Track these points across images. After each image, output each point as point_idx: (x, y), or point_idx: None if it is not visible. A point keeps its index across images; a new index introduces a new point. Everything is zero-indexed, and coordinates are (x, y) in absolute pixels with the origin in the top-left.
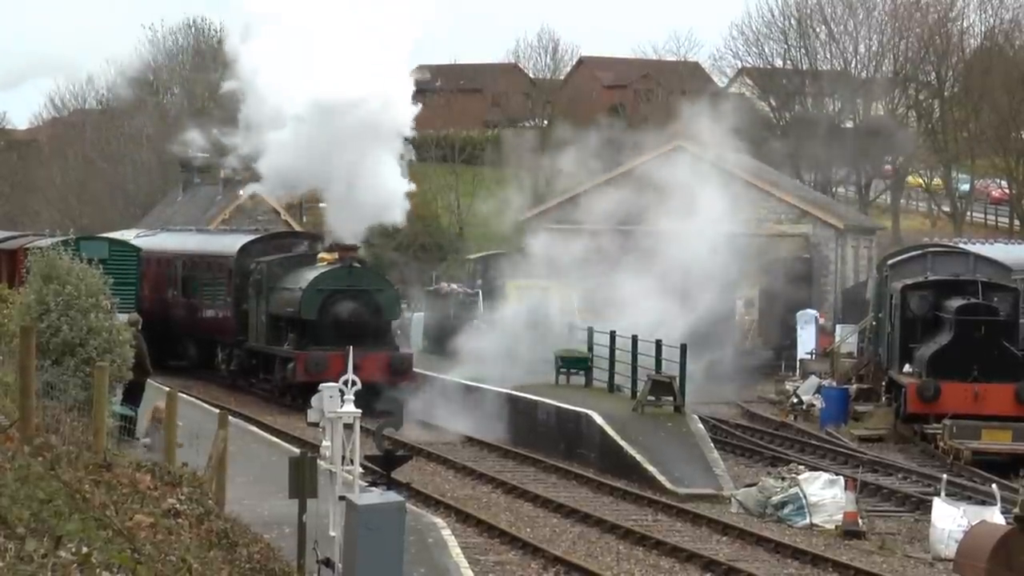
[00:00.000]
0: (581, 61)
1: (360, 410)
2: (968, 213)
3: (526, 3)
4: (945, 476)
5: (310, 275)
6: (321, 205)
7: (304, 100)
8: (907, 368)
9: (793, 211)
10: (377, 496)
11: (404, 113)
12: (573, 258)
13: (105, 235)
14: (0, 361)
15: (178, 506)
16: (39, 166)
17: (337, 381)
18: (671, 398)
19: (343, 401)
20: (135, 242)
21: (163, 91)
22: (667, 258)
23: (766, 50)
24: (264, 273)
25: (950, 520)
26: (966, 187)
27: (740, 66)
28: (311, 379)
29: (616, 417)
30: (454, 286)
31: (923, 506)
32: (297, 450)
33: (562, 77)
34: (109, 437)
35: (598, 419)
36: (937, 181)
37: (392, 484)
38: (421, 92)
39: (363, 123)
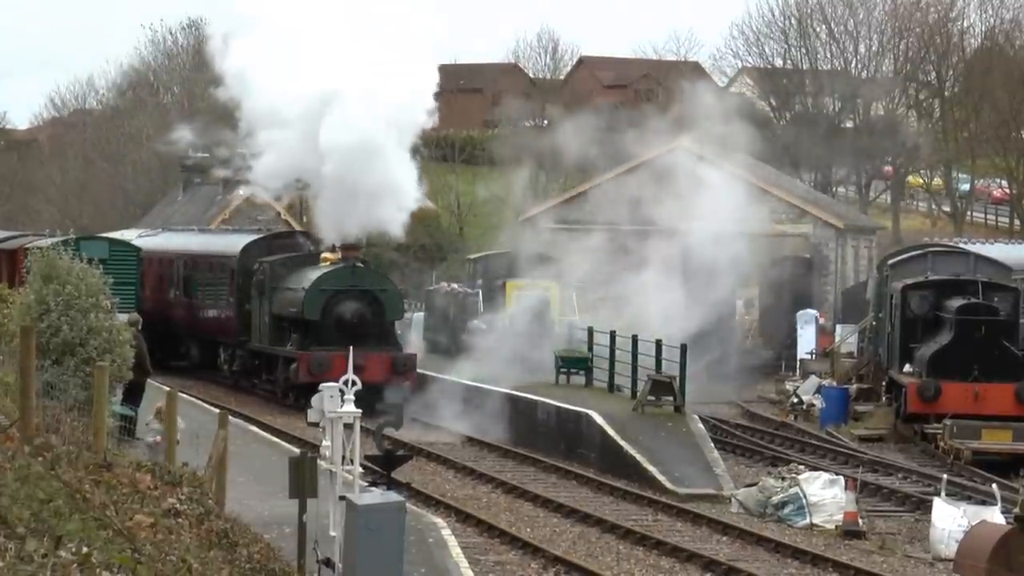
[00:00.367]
0: (581, 61)
1: (360, 410)
2: (968, 213)
3: (526, 3)
4: (945, 476)
5: (313, 275)
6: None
7: (309, 97)
8: (907, 368)
9: (793, 211)
10: (377, 496)
11: (420, 108)
12: (573, 257)
13: (105, 235)
14: (0, 361)
15: (178, 506)
16: (39, 166)
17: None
18: (671, 398)
19: (343, 401)
20: (137, 242)
21: (163, 91)
22: (668, 257)
23: (766, 50)
24: (267, 273)
25: (950, 520)
26: (966, 187)
27: (740, 66)
28: (314, 379)
29: (616, 417)
30: (454, 286)
31: (923, 506)
32: (297, 450)
33: (562, 77)
34: (109, 437)
35: (598, 419)
36: (937, 181)
37: (392, 484)
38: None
39: (376, 119)
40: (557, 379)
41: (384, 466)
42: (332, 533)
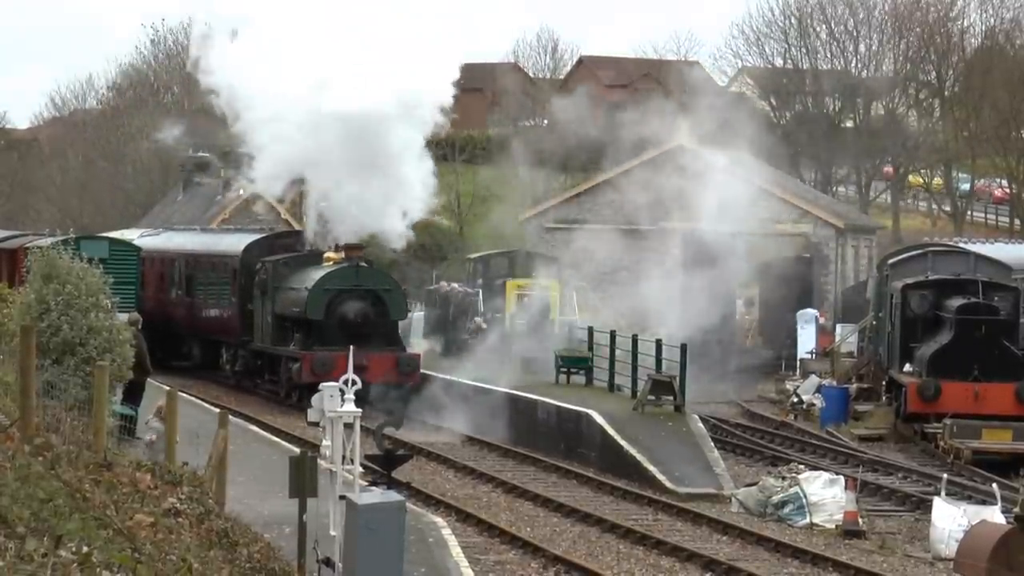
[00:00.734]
0: (581, 61)
1: (360, 410)
2: (968, 213)
3: (526, 3)
4: (945, 476)
5: (316, 275)
6: (322, 204)
7: (309, 94)
8: (907, 367)
9: (793, 210)
10: (377, 496)
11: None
12: (573, 257)
13: (105, 234)
14: (0, 360)
15: (178, 506)
16: (39, 166)
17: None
18: (671, 397)
19: (343, 400)
20: (139, 242)
21: (163, 91)
22: (668, 257)
23: (766, 49)
24: (269, 273)
25: (950, 520)
26: (966, 187)
27: (740, 65)
28: (317, 379)
29: (616, 416)
30: (454, 286)
31: (923, 506)
32: (297, 449)
33: (562, 77)
34: (109, 437)
35: (598, 418)
36: (937, 181)
37: (392, 484)
38: None
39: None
40: (557, 379)
41: (384, 466)
42: (332, 533)
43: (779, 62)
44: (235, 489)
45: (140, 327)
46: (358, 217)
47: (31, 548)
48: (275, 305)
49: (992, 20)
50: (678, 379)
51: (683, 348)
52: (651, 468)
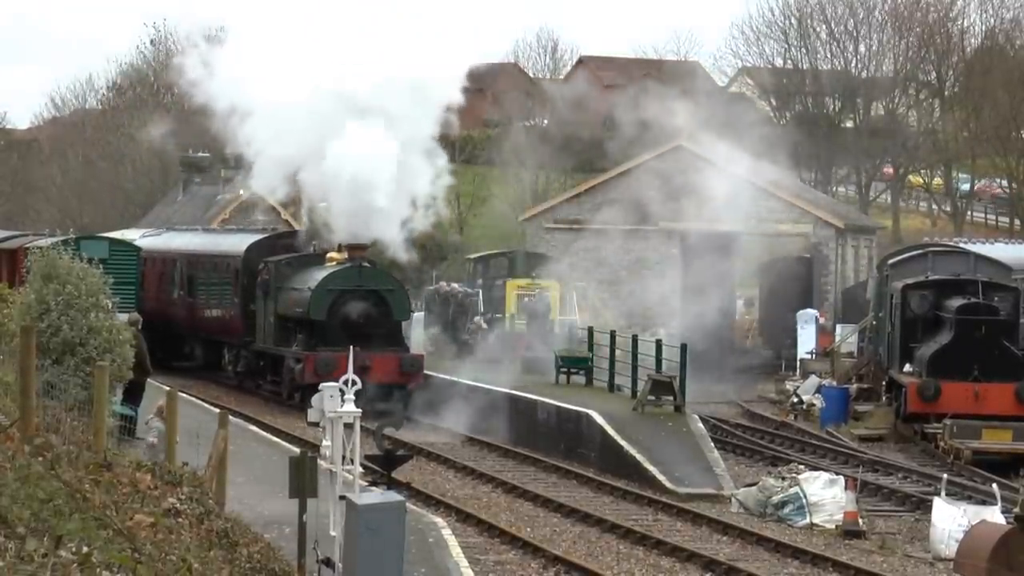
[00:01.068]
0: (581, 61)
1: (360, 410)
2: (968, 213)
3: (526, 3)
4: (945, 476)
5: (319, 275)
6: (322, 204)
7: (311, 95)
8: (907, 368)
9: (793, 210)
10: (377, 496)
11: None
12: (573, 257)
13: (105, 235)
14: (0, 361)
15: (178, 506)
16: (39, 166)
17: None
18: (671, 398)
19: (343, 401)
20: (140, 242)
21: (163, 91)
22: (668, 256)
23: (766, 49)
24: (272, 273)
25: (950, 520)
26: (966, 187)
27: (740, 65)
28: (320, 380)
29: (616, 417)
30: (454, 286)
31: (923, 506)
32: (297, 450)
33: (562, 77)
34: (109, 437)
35: (598, 419)
36: (937, 181)
37: (392, 484)
38: None
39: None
40: (557, 379)
41: (384, 466)
42: (332, 533)
43: (779, 62)
44: (235, 489)
45: (140, 327)
46: (358, 219)
47: (31, 548)
48: (277, 305)
49: (992, 20)
50: (678, 379)
51: (683, 348)
52: (651, 468)
